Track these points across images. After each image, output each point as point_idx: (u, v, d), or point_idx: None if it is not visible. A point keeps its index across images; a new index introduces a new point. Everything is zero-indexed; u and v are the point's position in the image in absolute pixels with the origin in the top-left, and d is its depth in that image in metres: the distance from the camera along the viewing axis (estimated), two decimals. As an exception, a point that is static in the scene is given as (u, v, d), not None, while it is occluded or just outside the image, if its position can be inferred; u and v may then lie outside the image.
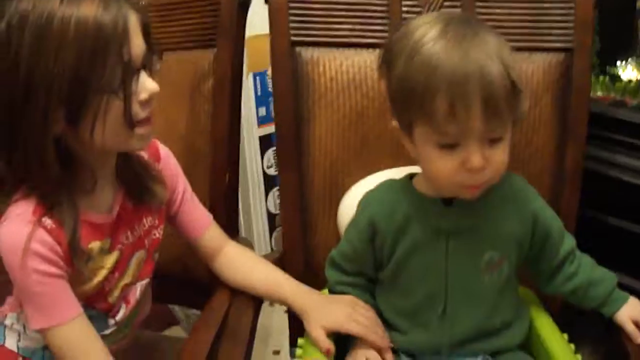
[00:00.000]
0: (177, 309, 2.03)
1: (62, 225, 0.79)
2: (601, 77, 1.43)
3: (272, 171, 1.89)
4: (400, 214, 0.89)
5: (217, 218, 1.05)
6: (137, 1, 0.83)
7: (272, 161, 1.89)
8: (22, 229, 0.77)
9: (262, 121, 1.85)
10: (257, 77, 1.80)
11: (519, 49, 1.04)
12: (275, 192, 1.92)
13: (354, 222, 0.95)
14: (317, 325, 0.91)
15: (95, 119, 0.75)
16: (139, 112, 0.79)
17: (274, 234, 1.97)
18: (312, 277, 1.06)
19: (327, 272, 0.98)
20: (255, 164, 1.86)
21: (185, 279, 1.17)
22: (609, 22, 1.62)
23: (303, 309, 0.94)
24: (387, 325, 0.94)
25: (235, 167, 1.16)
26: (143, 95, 0.78)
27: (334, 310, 0.92)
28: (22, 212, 0.79)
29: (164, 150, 0.98)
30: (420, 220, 0.88)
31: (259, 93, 1.81)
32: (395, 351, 0.92)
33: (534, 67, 1.05)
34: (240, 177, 1.78)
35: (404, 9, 1.07)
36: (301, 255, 1.10)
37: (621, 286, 0.95)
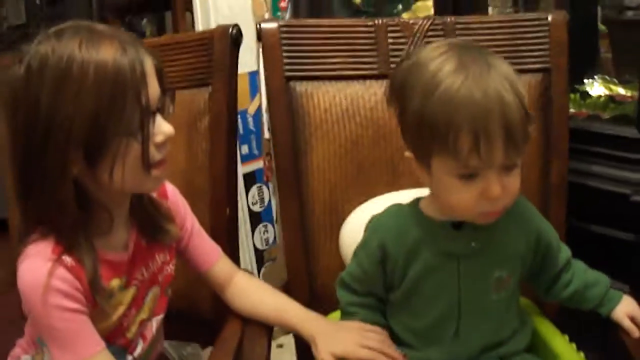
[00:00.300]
0: (169, 349, 2.02)
1: (81, 264, 0.81)
2: (572, 95, 1.51)
3: (257, 208, 1.92)
4: (410, 238, 0.91)
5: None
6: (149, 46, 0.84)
7: (257, 198, 1.91)
8: (42, 266, 0.78)
9: (245, 159, 1.88)
10: (239, 116, 1.80)
11: (500, 73, 1.11)
12: (261, 227, 1.94)
13: (363, 245, 0.97)
14: (326, 351, 0.93)
15: (114, 162, 0.77)
16: (155, 155, 0.81)
17: (262, 270, 1.98)
18: (317, 302, 1.09)
19: (339, 293, 0.99)
20: (240, 201, 1.88)
21: (190, 316, 1.18)
22: (573, 43, 1.72)
23: (312, 335, 0.96)
24: (401, 343, 0.96)
25: (234, 201, 1.19)
26: (159, 138, 0.81)
27: (343, 338, 0.94)
28: (41, 250, 0.80)
29: (170, 188, 1.00)
30: (431, 244, 0.90)
31: (241, 131, 1.84)
32: None
33: (515, 89, 1.11)
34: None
35: (390, 40, 1.12)
36: (305, 282, 1.13)
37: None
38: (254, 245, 1.92)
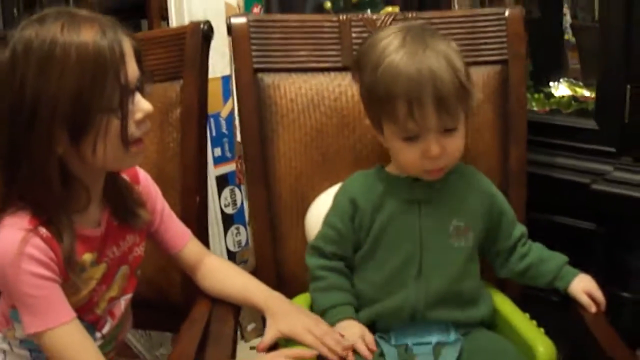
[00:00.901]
0: (143, 351, 2.03)
1: (56, 237, 0.83)
2: (536, 95, 1.56)
3: (229, 210, 1.94)
4: (376, 192, 1.01)
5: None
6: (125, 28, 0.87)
7: (229, 200, 1.94)
8: (16, 234, 0.81)
9: (217, 161, 1.91)
10: (212, 119, 1.85)
11: (460, 64, 1.16)
12: (233, 229, 1.97)
13: (333, 207, 1.04)
14: (274, 328, 0.96)
15: (96, 138, 0.81)
16: (135, 131, 0.85)
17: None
18: (284, 286, 1.12)
19: (308, 260, 1.04)
20: (212, 203, 1.89)
21: (160, 303, 1.21)
22: (540, 48, 1.78)
23: (270, 313, 0.99)
24: (365, 300, 1.00)
25: (204, 189, 1.22)
26: (138, 115, 0.85)
27: (296, 320, 0.97)
28: (17, 221, 0.82)
29: (142, 173, 1.04)
30: (394, 195, 1.01)
31: (214, 134, 1.87)
32: (372, 330, 0.98)
33: (474, 80, 1.15)
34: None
35: (354, 35, 1.17)
36: (273, 267, 1.16)
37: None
38: (227, 247, 1.94)
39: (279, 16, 1.22)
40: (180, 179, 1.19)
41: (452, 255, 0.99)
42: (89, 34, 0.79)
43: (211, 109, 1.82)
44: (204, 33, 1.18)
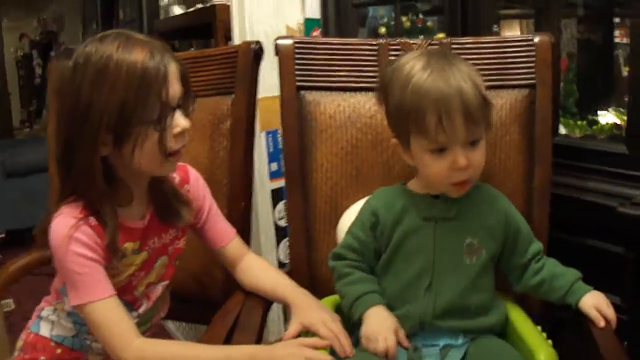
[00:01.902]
0: (170, 327, 2.14)
1: (103, 226, 0.97)
2: (579, 122, 1.59)
3: (282, 223, 2.04)
4: (396, 207, 1.08)
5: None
6: (173, 52, 1.01)
7: (283, 213, 2.04)
8: (70, 220, 0.95)
9: (273, 175, 2.01)
10: (269, 135, 1.97)
11: (489, 87, 1.22)
12: (285, 242, 2.06)
13: (357, 218, 1.12)
14: (297, 321, 1.05)
15: (135, 145, 0.94)
16: (172, 144, 0.97)
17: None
18: (315, 289, 1.20)
19: (332, 264, 1.11)
20: (266, 215, 2.01)
21: (200, 298, 1.33)
22: (589, 76, 1.81)
23: (295, 307, 1.09)
24: None
25: (249, 195, 1.34)
26: (176, 129, 0.97)
27: (315, 314, 1.05)
28: (71, 210, 0.97)
29: (193, 173, 1.16)
30: (413, 211, 1.07)
31: (271, 150, 1.98)
32: None
33: (502, 102, 1.22)
34: (252, 228, 1.95)
35: (391, 57, 1.25)
36: (306, 269, 1.25)
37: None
38: (278, 258, 2.04)
39: (322, 39, 1.32)
40: (228, 184, 1.32)
41: (463, 271, 1.05)
42: (139, 54, 0.92)
43: (270, 125, 1.96)
44: (254, 52, 1.31)
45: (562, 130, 1.56)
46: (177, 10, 2.35)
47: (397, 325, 1.02)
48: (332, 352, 0.99)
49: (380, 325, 1.01)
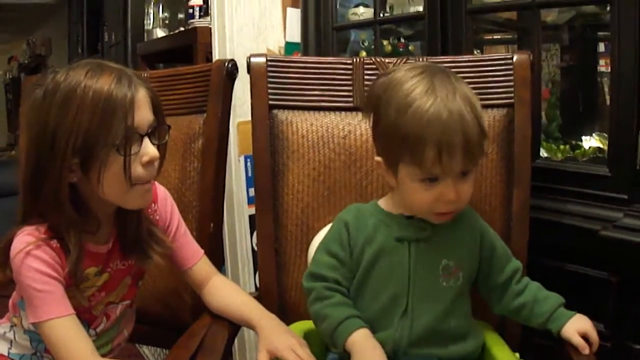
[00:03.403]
0: (146, 352, 2.08)
1: (64, 250, 0.94)
2: (562, 146, 1.57)
3: (260, 249, 1.99)
4: (368, 225, 1.02)
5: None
6: (146, 80, 1.00)
7: (260, 239, 1.99)
8: (30, 238, 0.93)
9: (251, 201, 1.92)
10: (248, 160, 1.90)
11: (467, 107, 1.20)
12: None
13: (330, 234, 1.05)
14: (263, 348, 1.01)
15: (100, 170, 0.91)
16: (140, 173, 0.95)
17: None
18: (285, 314, 1.17)
19: (307, 285, 1.03)
20: (245, 241, 1.95)
21: (169, 322, 1.28)
22: (572, 101, 1.79)
23: (261, 331, 1.04)
24: None
25: (218, 216, 1.30)
26: (144, 158, 0.95)
27: (281, 339, 1.01)
28: (33, 230, 0.94)
29: (161, 192, 1.13)
30: (385, 230, 1.02)
31: (249, 174, 1.92)
32: None
33: (480, 122, 1.19)
34: (229, 254, 1.91)
35: (366, 77, 1.23)
36: (276, 294, 1.21)
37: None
38: (255, 284, 1.98)
39: (296, 57, 1.29)
40: (198, 205, 1.28)
41: (440, 294, 1.00)
42: (106, 80, 0.92)
43: (249, 150, 1.91)
44: (227, 71, 1.28)
45: (544, 154, 1.53)
46: (160, 33, 2.34)
47: (384, 356, 0.95)
48: None
49: (371, 357, 0.94)
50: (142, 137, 0.94)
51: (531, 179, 1.31)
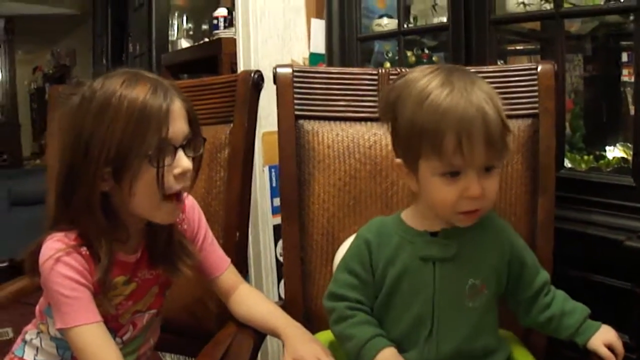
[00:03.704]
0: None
1: (94, 258, 0.95)
2: (586, 157, 1.56)
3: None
4: (391, 243, 1.00)
5: (229, 268, 1.18)
6: (181, 92, 1.00)
7: (285, 249, 2.00)
8: (60, 245, 0.94)
9: (275, 211, 1.95)
10: (272, 170, 1.93)
11: (491, 118, 1.20)
12: (286, 278, 2.02)
13: (350, 252, 1.03)
14: (289, 356, 1.01)
15: (132, 180, 0.92)
16: (173, 184, 0.95)
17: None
18: (310, 323, 1.17)
19: (328, 305, 1.02)
20: (269, 250, 1.97)
21: (195, 330, 1.29)
22: (595, 112, 1.79)
23: (287, 340, 1.05)
24: None
25: (244, 226, 1.31)
26: (177, 170, 0.95)
27: (307, 347, 1.02)
28: (63, 237, 0.95)
29: (189, 200, 1.14)
30: (409, 249, 0.99)
31: (273, 184, 1.95)
32: None
33: (505, 132, 1.19)
34: (254, 263, 1.92)
35: (391, 87, 1.24)
36: (301, 303, 1.21)
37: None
38: (279, 294, 2.00)
39: (322, 68, 1.31)
40: (224, 215, 1.29)
41: (466, 316, 0.97)
42: (142, 90, 0.92)
43: (273, 160, 1.93)
44: (253, 81, 1.30)
45: (569, 164, 1.53)
46: (184, 44, 2.37)
47: None
48: None
49: None
50: (176, 149, 0.94)
51: (557, 189, 1.32)
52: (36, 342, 1.06)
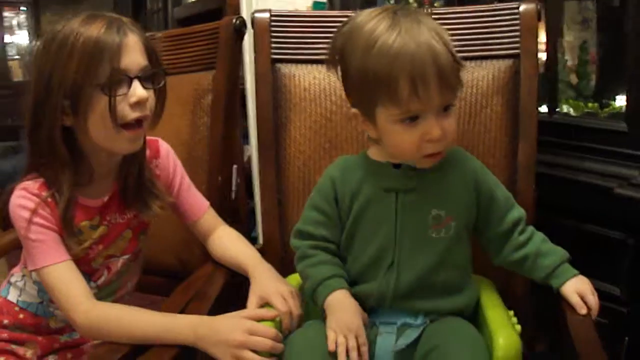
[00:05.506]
0: None
1: (56, 204, 0.99)
2: (590, 104, 1.50)
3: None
4: (354, 178, 1.00)
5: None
6: (140, 28, 1.02)
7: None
8: (26, 194, 0.98)
9: None
10: None
11: (471, 58, 1.17)
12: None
13: (316, 189, 1.04)
14: (254, 294, 1.03)
15: (87, 111, 0.95)
16: (128, 113, 0.97)
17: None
18: (288, 264, 1.16)
19: (293, 243, 1.04)
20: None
21: (180, 272, 1.30)
22: (611, 59, 1.70)
23: (253, 278, 1.07)
24: None
25: (227, 170, 1.32)
26: (132, 99, 0.97)
27: (272, 285, 1.03)
28: (29, 185, 1.00)
29: (164, 147, 1.16)
30: (372, 181, 0.99)
31: None
32: None
33: (484, 73, 1.16)
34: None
35: (371, 29, 1.22)
36: (278, 245, 1.22)
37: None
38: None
39: (300, 12, 1.29)
40: (207, 159, 1.31)
41: (428, 247, 0.97)
42: (97, 27, 0.96)
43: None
44: (235, 27, 1.30)
45: (572, 111, 1.47)
46: (194, -2, 2.38)
47: (360, 323, 0.93)
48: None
49: (347, 321, 0.92)
50: (131, 79, 0.96)
51: (549, 134, 1.28)
52: (20, 284, 1.10)
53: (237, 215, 1.41)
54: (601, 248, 1.24)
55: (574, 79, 1.56)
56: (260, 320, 0.96)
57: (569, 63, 1.57)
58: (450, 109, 0.91)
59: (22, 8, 5.75)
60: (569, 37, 1.61)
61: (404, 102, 0.88)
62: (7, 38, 5.72)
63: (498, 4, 1.18)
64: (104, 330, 0.95)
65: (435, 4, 1.73)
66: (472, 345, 0.90)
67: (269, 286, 1.03)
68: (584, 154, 1.27)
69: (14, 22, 5.78)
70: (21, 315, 1.09)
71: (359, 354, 0.90)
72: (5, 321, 1.09)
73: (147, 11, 3.43)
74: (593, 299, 0.96)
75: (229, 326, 0.93)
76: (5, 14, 5.71)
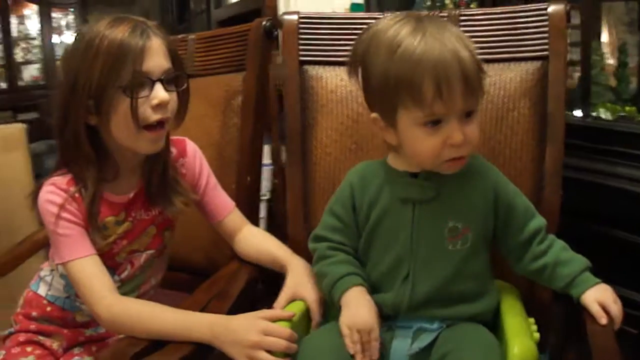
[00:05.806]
0: None
1: (84, 200, 1.03)
2: (628, 107, 1.46)
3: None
4: (373, 186, 1.01)
5: (240, 210, 1.23)
6: (164, 31, 1.06)
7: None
8: (54, 188, 1.02)
9: None
10: None
11: (499, 60, 1.16)
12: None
13: (335, 196, 1.06)
14: (287, 287, 1.06)
15: (109, 111, 0.99)
16: (150, 115, 1.00)
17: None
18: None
19: (312, 245, 1.05)
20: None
21: (211, 272, 1.33)
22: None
23: (290, 272, 1.10)
24: None
25: (256, 170, 1.35)
26: (154, 101, 1.00)
27: (307, 282, 1.06)
28: (58, 180, 1.04)
29: (190, 147, 1.19)
30: (390, 190, 0.99)
31: None
32: None
33: (511, 75, 1.15)
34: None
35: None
36: (304, 243, 1.22)
37: (621, 298, 0.95)
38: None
39: (327, 13, 1.30)
40: (237, 160, 1.33)
41: (444, 258, 0.96)
42: (122, 30, 0.99)
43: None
44: (265, 29, 1.32)
45: (609, 116, 1.44)
46: (233, -1, 2.42)
47: (374, 319, 0.94)
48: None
49: (362, 318, 0.93)
50: (153, 82, 0.99)
51: (580, 138, 1.25)
52: (48, 278, 1.15)
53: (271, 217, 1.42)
54: (630, 254, 1.21)
55: (613, 81, 1.53)
56: (276, 320, 0.98)
57: (608, 65, 1.54)
58: (472, 116, 0.91)
59: (70, 9, 5.92)
60: (610, 39, 1.57)
61: (427, 104, 0.88)
62: (55, 38, 5.89)
63: (526, 5, 1.17)
64: (126, 325, 0.98)
65: (472, 5, 1.72)
66: (486, 351, 0.89)
67: (305, 283, 1.06)
68: (616, 158, 1.24)
69: (62, 22, 5.96)
70: (49, 309, 1.14)
71: (370, 349, 0.91)
72: (34, 313, 1.14)
73: (192, 12, 3.51)
74: (615, 308, 0.93)
75: (245, 326, 0.95)
76: (54, 14, 5.89)
